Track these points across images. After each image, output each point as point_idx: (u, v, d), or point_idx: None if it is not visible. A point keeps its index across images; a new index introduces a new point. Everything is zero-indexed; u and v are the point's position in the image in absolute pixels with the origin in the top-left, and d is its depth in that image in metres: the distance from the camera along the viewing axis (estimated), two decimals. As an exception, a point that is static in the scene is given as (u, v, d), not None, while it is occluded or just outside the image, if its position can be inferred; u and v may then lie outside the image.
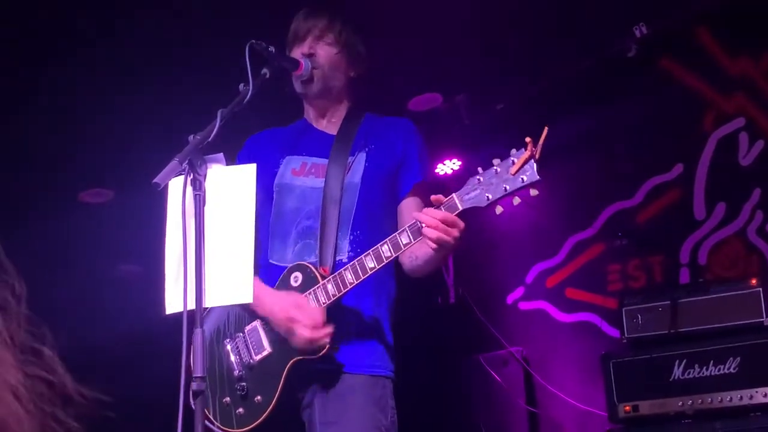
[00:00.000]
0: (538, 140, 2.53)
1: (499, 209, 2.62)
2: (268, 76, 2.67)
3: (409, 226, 2.68)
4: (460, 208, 2.62)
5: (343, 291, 2.75)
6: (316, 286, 2.79)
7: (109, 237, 5.85)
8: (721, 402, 3.90)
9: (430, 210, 2.64)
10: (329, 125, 3.11)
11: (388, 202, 3.01)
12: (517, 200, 2.59)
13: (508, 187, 2.57)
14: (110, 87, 4.70)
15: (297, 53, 3.00)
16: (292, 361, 2.78)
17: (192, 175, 2.29)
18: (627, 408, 4.12)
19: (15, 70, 4.59)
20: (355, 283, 2.74)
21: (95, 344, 5.62)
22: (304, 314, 2.74)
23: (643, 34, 4.75)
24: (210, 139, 2.37)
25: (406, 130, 3.10)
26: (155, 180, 2.21)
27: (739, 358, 3.92)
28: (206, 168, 2.31)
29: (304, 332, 2.72)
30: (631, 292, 4.83)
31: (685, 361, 4.04)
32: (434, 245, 2.62)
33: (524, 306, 5.59)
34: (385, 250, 2.70)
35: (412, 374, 3.00)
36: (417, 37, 4.72)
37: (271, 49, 2.75)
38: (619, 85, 5.09)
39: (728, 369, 3.93)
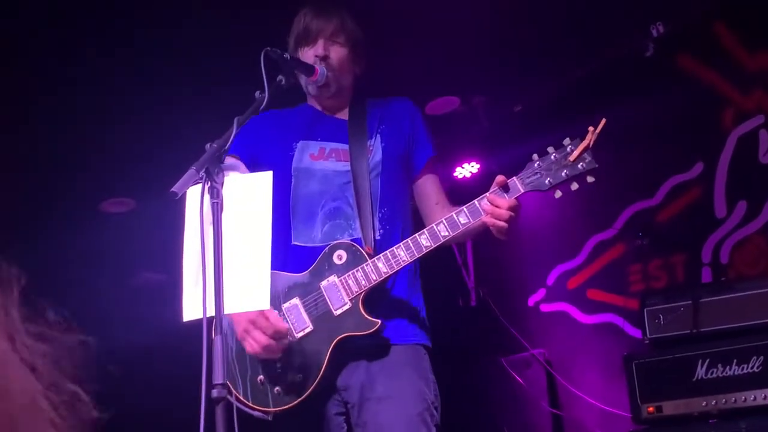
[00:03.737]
0: (596, 129, 2.72)
1: (558, 193, 2.76)
2: (283, 82, 2.70)
3: (467, 206, 2.79)
4: (522, 190, 2.76)
5: (396, 269, 2.81)
6: (364, 264, 2.83)
7: (131, 246, 5.88)
8: (745, 401, 3.88)
9: (495, 198, 2.75)
10: (338, 112, 3.20)
11: (403, 178, 3.12)
12: (575, 185, 2.74)
13: (568, 173, 2.74)
14: (132, 96, 4.73)
15: (308, 52, 3.05)
16: (338, 339, 2.80)
17: (209, 183, 2.31)
18: (651, 409, 4.10)
19: (37, 79, 4.63)
20: (409, 261, 2.81)
21: (116, 352, 5.66)
22: (266, 321, 2.77)
23: (660, 33, 4.74)
24: (226, 147, 2.39)
25: (410, 108, 3.22)
26: (173, 189, 2.23)
27: (762, 357, 3.89)
28: (223, 176, 2.33)
29: (261, 337, 2.75)
30: (652, 292, 4.81)
31: (708, 360, 4.01)
32: (493, 230, 2.77)
33: (546, 308, 5.57)
34: (442, 229, 2.79)
35: (434, 377, 3.01)
36: (434, 41, 4.73)
37: (286, 56, 2.78)
38: (637, 85, 5.07)
39: (752, 368, 3.91)
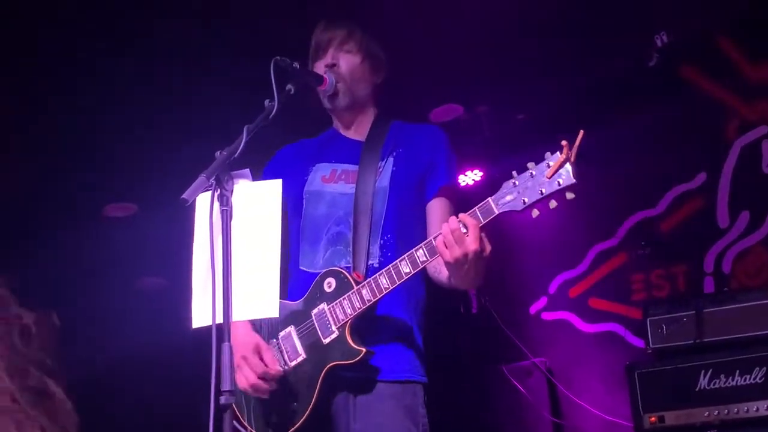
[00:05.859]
0: (574, 143, 2.52)
1: (535, 212, 2.61)
2: (293, 92, 2.69)
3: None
4: (496, 212, 2.61)
5: (378, 296, 2.74)
6: (350, 292, 2.78)
7: (133, 250, 5.89)
8: (747, 412, 3.87)
9: (449, 221, 2.62)
10: (357, 133, 3.13)
11: (416, 206, 3.01)
12: (553, 203, 2.58)
13: (544, 190, 2.57)
14: (135, 102, 4.73)
15: (320, 66, 3.03)
16: (327, 367, 2.78)
17: (219, 190, 2.31)
18: (653, 419, 4.10)
19: (40, 84, 4.64)
20: (390, 288, 2.73)
21: (119, 356, 5.66)
22: (258, 361, 2.79)
23: (664, 42, 4.75)
24: (236, 155, 2.39)
25: (435, 136, 3.11)
26: (183, 196, 2.23)
27: (765, 368, 3.89)
28: (233, 183, 2.33)
29: (250, 375, 2.78)
30: (655, 301, 4.81)
31: (710, 371, 4.01)
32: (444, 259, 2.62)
33: (547, 316, 5.57)
34: (420, 255, 2.70)
35: (435, 385, 3.00)
36: (438, 48, 4.74)
37: (296, 65, 2.76)
38: (640, 94, 5.07)
39: (754, 379, 3.91)
